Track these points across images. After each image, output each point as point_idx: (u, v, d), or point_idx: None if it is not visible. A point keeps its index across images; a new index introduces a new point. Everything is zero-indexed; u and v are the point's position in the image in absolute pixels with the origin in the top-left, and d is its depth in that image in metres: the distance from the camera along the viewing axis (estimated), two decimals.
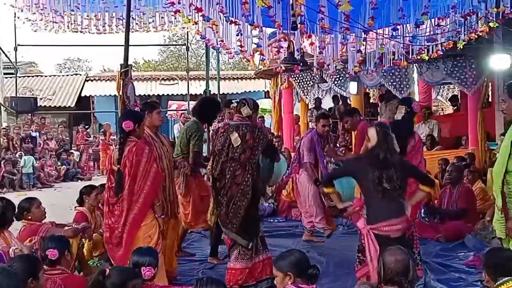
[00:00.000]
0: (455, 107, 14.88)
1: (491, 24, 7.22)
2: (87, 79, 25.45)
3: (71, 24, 11.61)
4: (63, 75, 27.45)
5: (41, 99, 22.41)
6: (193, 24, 7.68)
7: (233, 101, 7.10)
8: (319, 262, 6.23)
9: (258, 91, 23.42)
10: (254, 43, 7.79)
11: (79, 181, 16.91)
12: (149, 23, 11.87)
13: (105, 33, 12.12)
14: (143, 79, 24.73)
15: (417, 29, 7.34)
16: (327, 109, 13.62)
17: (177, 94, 23.52)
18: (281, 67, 9.87)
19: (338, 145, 7.85)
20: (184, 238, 7.28)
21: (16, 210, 5.30)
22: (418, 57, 8.61)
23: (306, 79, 13.43)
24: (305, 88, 13.60)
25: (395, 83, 11.37)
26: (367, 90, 15.08)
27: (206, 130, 7.24)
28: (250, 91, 23.41)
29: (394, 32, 7.30)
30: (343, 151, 9.94)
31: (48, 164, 17.14)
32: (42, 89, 24.10)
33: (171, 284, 5.15)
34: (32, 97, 21.24)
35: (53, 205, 9.69)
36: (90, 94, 24.01)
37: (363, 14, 6.80)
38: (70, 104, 23.19)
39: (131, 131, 4.95)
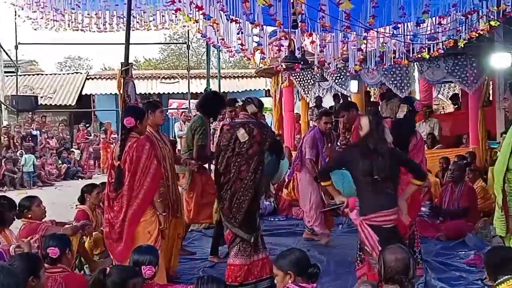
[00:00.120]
0: (456, 106, 14.87)
1: (492, 23, 7.21)
2: (88, 77, 25.46)
3: (72, 22, 11.60)
4: (63, 74, 27.46)
5: (41, 97, 22.43)
6: (194, 23, 7.67)
7: (238, 100, 7.14)
8: (319, 261, 6.25)
9: (259, 89, 23.41)
10: (255, 42, 7.78)
11: (80, 179, 16.94)
12: (150, 21, 11.85)
13: (105, 32, 12.11)
14: (143, 77, 24.73)
15: (418, 27, 7.34)
16: (328, 108, 13.60)
17: (178, 93, 23.52)
18: (281, 66, 9.86)
19: (339, 143, 7.84)
20: (185, 237, 7.29)
21: (17, 208, 5.32)
22: (419, 55, 8.60)
23: (307, 78, 13.42)
24: (306, 86, 13.59)
25: (396, 82, 11.36)
26: (368, 89, 15.07)
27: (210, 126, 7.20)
28: (250, 90, 23.41)
29: (395, 31, 7.29)
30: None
31: (49, 163, 17.15)
32: (42, 87, 24.12)
33: (171, 283, 5.15)
34: (33, 96, 21.27)
35: (54, 203, 9.71)
36: (91, 93, 24.03)
37: (364, 13, 6.79)
38: (71, 103, 23.21)
39: (132, 128, 4.96)
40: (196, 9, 6.64)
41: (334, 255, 6.73)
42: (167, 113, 20.51)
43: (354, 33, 7.73)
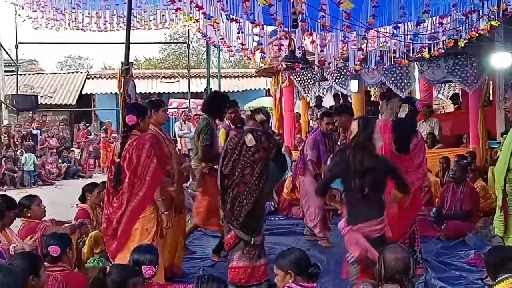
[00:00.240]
0: (456, 106, 14.87)
1: (492, 22, 7.21)
2: (88, 77, 25.47)
3: (72, 21, 11.62)
4: (64, 73, 27.47)
5: (42, 96, 22.45)
6: (194, 22, 7.68)
7: (249, 108, 7.23)
8: (319, 261, 6.25)
9: (259, 89, 23.42)
10: (255, 41, 7.78)
11: (80, 178, 16.94)
12: (150, 21, 11.87)
13: (106, 31, 12.12)
14: (144, 77, 24.74)
15: (418, 27, 7.34)
16: (328, 107, 13.61)
17: (178, 92, 23.53)
18: (282, 65, 9.86)
19: (339, 143, 7.84)
20: (191, 235, 7.30)
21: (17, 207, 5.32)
22: (419, 55, 8.59)
23: (307, 77, 13.42)
24: (306, 86, 13.59)
25: (396, 81, 11.37)
26: (368, 88, 15.07)
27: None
28: (251, 89, 23.43)
29: (395, 30, 7.29)
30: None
31: (49, 162, 17.16)
32: (43, 86, 24.14)
33: (173, 281, 5.16)
34: (33, 95, 21.28)
35: (54, 202, 9.71)
36: (91, 92, 24.05)
37: (364, 12, 6.79)
38: (71, 102, 23.22)
39: (134, 125, 4.94)
40: (196, 9, 6.64)
41: (334, 254, 6.71)
42: (168, 113, 20.52)
43: (355, 32, 7.73)
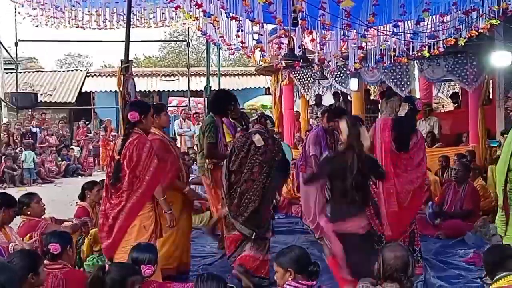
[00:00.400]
0: (456, 104, 14.86)
1: (492, 21, 7.20)
2: (88, 74, 25.44)
3: (72, 19, 11.60)
4: (63, 71, 27.42)
5: (41, 94, 22.42)
6: (194, 20, 7.67)
7: (248, 106, 7.29)
8: (319, 259, 6.23)
9: (259, 87, 23.41)
10: (255, 40, 7.78)
11: (79, 177, 16.93)
12: (150, 19, 11.84)
13: (105, 29, 12.10)
14: (143, 75, 24.72)
15: (418, 25, 7.34)
16: (328, 106, 13.61)
17: (178, 90, 23.53)
18: (281, 64, 9.86)
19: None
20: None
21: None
22: (419, 54, 8.59)
23: (307, 76, 13.42)
24: (306, 84, 13.59)
25: (396, 80, 11.37)
26: (368, 87, 15.07)
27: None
28: (250, 88, 23.42)
29: (395, 29, 7.29)
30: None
31: (49, 160, 17.14)
32: (42, 84, 24.12)
33: (172, 280, 5.16)
34: (33, 93, 21.28)
35: (53, 200, 9.71)
36: (91, 90, 24.03)
37: (364, 11, 6.79)
38: (71, 100, 23.19)
39: (136, 122, 4.91)
40: (196, 7, 6.63)
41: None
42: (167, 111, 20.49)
43: (354, 31, 7.73)
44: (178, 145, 15.25)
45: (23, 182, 15.37)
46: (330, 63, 9.60)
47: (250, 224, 5.50)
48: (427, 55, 8.64)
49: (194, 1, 6.58)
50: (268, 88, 18.93)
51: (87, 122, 21.40)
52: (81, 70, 26.86)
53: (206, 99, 17.39)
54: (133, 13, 10.76)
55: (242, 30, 7.36)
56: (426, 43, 8.20)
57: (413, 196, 5.45)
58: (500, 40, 9.45)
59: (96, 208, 6.31)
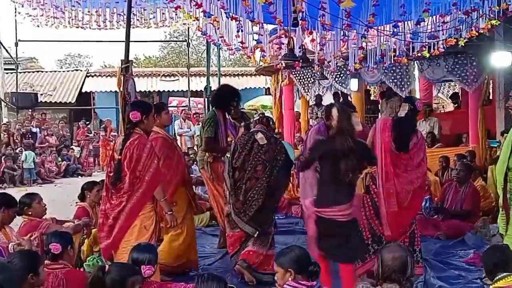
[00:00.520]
0: (456, 105, 14.86)
1: (492, 22, 7.20)
2: (88, 75, 25.43)
3: (72, 19, 11.60)
4: (63, 71, 27.42)
5: (41, 94, 22.42)
6: (194, 20, 7.67)
7: (256, 115, 7.33)
8: None
9: (259, 87, 23.41)
10: (255, 40, 7.78)
11: (80, 177, 16.93)
12: (150, 19, 11.85)
13: (106, 29, 12.10)
14: (143, 75, 24.71)
15: (418, 26, 7.33)
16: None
17: (178, 91, 23.53)
18: (281, 64, 9.86)
19: None
20: None
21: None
22: (419, 54, 8.59)
23: (307, 76, 13.41)
24: (306, 85, 13.58)
25: (396, 80, 11.36)
26: (368, 87, 15.07)
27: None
28: (250, 88, 23.41)
29: (395, 29, 7.29)
30: None
31: (49, 160, 17.14)
32: (42, 84, 24.11)
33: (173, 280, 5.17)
34: (33, 93, 21.27)
35: (54, 201, 9.70)
36: (91, 90, 24.02)
37: (365, 11, 6.79)
38: (71, 100, 23.19)
39: (138, 122, 4.90)
40: (196, 7, 6.63)
41: None
42: None
43: (355, 31, 7.73)
44: (178, 145, 15.25)
45: (23, 182, 15.37)
46: (330, 63, 9.59)
47: (253, 222, 5.55)
48: (427, 55, 8.64)
49: (194, 1, 6.58)
50: (268, 88, 18.92)
51: (87, 122, 21.40)
52: (81, 70, 26.85)
53: (206, 99, 17.38)
54: (133, 13, 10.76)
55: (242, 30, 7.36)
56: (426, 43, 8.20)
57: (413, 197, 5.45)
58: (500, 40, 9.45)
59: (96, 208, 6.31)
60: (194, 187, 7.65)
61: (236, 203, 5.64)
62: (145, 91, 22.49)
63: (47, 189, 13.73)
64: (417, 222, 5.91)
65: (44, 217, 5.56)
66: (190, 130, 16.56)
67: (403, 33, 7.80)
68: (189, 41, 22.23)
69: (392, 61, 9.12)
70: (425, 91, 13.83)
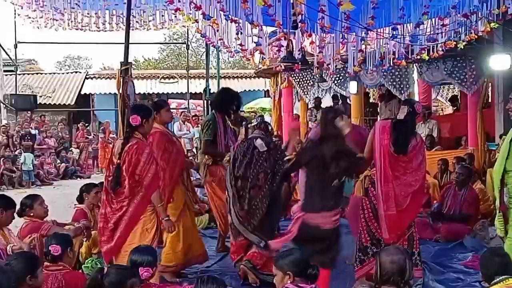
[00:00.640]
0: (455, 108, 14.87)
1: (491, 25, 7.20)
2: (87, 77, 25.42)
3: (71, 21, 11.59)
4: (63, 73, 27.42)
5: (40, 96, 22.40)
6: (193, 23, 7.67)
7: (254, 120, 7.32)
8: None
9: (258, 90, 23.42)
10: (254, 42, 7.78)
11: (78, 179, 16.91)
12: (149, 21, 11.84)
13: (105, 31, 12.11)
14: (143, 77, 24.72)
15: (417, 29, 7.33)
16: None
17: (177, 93, 23.51)
18: (281, 66, 9.86)
19: None
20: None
21: (19, 206, 5.32)
22: (418, 57, 8.59)
23: (306, 79, 13.43)
24: (305, 87, 13.59)
25: (395, 83, 11.38)
26: (367, 90, 15.08)
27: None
28: (250, 90, 23.41)
29: (394, 32, 7.28)
30: None
31: (47, 162, 17.13)
32: (42, 86, 24.08)
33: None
34: (32, 95, 21.24)
35: (52, 202, 9.65)
36: (90, 92, 24.01)
37: (364, 14, 6.79)
38: (70, 102, 23.18)
39: (137, 126, 4.90)
40: (196, 9, 6.63)
41: None
42: None
43: (354, 34, 7.73)
44: None
45: (22, 184, 15.35)
46: (329, 66, 9.59)
47: (259, 231, 5.51)
48: (427, 58, 8.65)
49: (194, 3, 6.58)
50: (268, 90, 18.94)
51: (86, 124, 21.39)
52: (80, 72, 26.83)
53: (205, 101, 17.38)
54: (133, 15, 10.75)
55: (241, 33, 7.36)
56: (426, 46, 8.20)
57: (412, 199, 5.43)
58: (500, 43, 9.45)
59: (95, 211, 6.30)
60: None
61: (240, 212, 5.60)
62: (144, 93, 22.48)
63: (45, 191, 13.68)
64: (416, 224, 5.91)
65: (45, 219, 5.55)
66: (189, 132, 16.55)
67: (402, 36, 7.80)
68: (189, 43, 22.24)
69: (391, 64, 9.11)
70: (424, 94, 13.84)
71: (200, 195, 8.35)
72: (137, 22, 11.75)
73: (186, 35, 22.43)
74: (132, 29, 10.43)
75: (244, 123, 6.64)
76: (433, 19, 7.67)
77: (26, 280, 3.59)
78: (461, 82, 10.76)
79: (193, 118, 18.46)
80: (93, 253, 6.00)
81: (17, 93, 20.64)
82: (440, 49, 8.31)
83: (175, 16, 11.33)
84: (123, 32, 7.29)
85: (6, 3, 12.26)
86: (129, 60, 6.63)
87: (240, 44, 7.84)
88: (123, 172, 4.79)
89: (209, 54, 19.67)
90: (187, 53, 23.01)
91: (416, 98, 13.08)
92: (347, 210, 6.39)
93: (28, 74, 25.56)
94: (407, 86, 11.41)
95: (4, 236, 4.85)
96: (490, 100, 11.65)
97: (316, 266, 3.81)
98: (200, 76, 23.75)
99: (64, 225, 5.71)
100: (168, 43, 34.56)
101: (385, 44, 8.40)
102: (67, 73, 27.30)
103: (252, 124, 6.46)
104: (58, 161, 17.80)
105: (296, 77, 13.55)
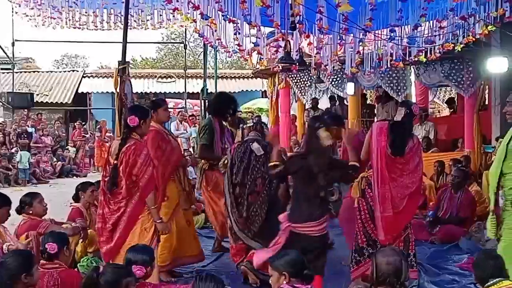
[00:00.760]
0: (452, 110, 14.90)
1: (489, 27, 7.21)
2: (84, 75, 25.42)
3: (69, 20, 11.56)
4: (60, 71, 27.41)
5: (37, 95, 22.38)
6: (191, 22, 7.66)
7: (250, 121, 7.29)
8: None
9: (255, 90, 23.43)
10: (252, 42, 7.78)
11: (75, 177, 16.89)
12: (147, 20, 11.83)
13: (103, 30, 12.08)
14: (140, 76, 24.71)
15: (415, 31, 7.34)
16: (324, 110, 13.62)
17: (175, 92, 23.51)
18: (278, 67, 9.86)
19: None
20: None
21: (18, 204, 5.32)
22: (416, 59, 8.60)
23: (304, 79, 13.43)
24: (302, 88, 13.60)
25: (392, 85, 11.39)
26: (364, 91, 15.11)
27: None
28: (247, 90, 23.43)
29: (392, 34, 7.29)
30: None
31: (44, 160, 17.10)
32: (39, 85, 24.08)
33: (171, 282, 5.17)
34: (29, 93, 21.22)
35: (49, 201, 9.64)
36: (87, 91, 23.99)
37: (362, 15, 6.79)
38: (67, 101, 23.16)
39: (135, 127, 4.89)
40: (194, 9, 6.63)
41: (328, 256, 6.68)
42: None
43: (352, 35, 7.73)
44: None
45: (18, 182, 15.33)
46: (327, 67, 9.59)
47: (259, 237, 5.48)
48: (424, 60, 8.66)
49: (192, 3, 6.57)
50: (265, 91, 18.93)
51: (83, 123, 21.37)
52: (77, 71, 26.83)
53: (202, 101, 17.38)
54: (131, 15, 10.72)
55: (239, 33, 7.35)
56: (423, 48, 8.21)
57: (409, 201, 5.44)
58: (497, 46, 9.46)
59: (91, 209, 6.30)
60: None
61: (239, 220, 5.57)
62: (141, 92, 22.47)
63: (41, 190, 13.53)
64: (412, 226, 5.92)
65: (43, 218, 5.55)
66: (186, 132, 16.54)
67: (400, 38, 7.80)
68: (186, 43, 22.23)
69: (389, 66, 9.12)
70: (421, 95, 13.87)
71: (196, 195, 8.35)
72: (135, 21, 11.72)
73: (184, 34, 22.42)
74: (130, 28, 10.40)
75: (241, 125, 6.66)
76: (431, 21, 7.68)
77: (21, 278, 3.59)
78: (458, 84, 10.79)
79: (190, 117, 18.45)
80: (88, 252, 6.00)
81: (14, 91, 20.61)
82: (438, 51, 8.32)
83: (173, 16, 11.32)
84: (121, 31, 7.28)
85: (4, 1, 12.24)
86: (127, 59, 6.63)
87: (238, 44, 7.84)
88: (120, 172, 4.79)
89: (206, 54, 19.64)
90: (185, 52, 22.99)
91: (413, 100, 13.09)
92: (340, 213, 6.37)
93: (25, 72, 25.54)
94: (404, 88, 11.43)
95: (0, 234, 4.85)
96: (486, 103, 11.69)
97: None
98: (198, 76, 23.74)
99: (61, 224, 5.71)
100: (166, 43, 34.56)
101: (382, 45, 8.40)
102: (64, 71, 27.30)
103: (248, 125, 6.44)
104: (55, 159, 17.77)
105: (294, 78, 13.56)
